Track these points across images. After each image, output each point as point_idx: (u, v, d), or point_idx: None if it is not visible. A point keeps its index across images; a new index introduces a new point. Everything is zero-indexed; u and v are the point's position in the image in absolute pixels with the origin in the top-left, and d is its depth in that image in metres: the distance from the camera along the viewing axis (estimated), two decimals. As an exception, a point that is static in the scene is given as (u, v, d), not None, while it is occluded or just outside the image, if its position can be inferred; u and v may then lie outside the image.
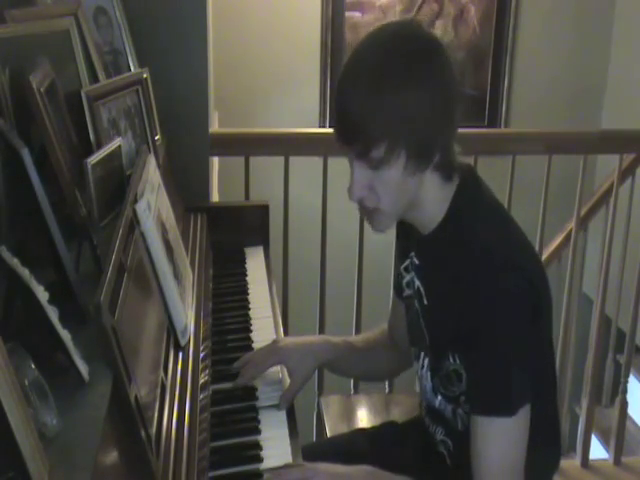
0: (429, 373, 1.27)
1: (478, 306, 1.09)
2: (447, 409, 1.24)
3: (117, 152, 1.32)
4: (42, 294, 0.87)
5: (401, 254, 1.35)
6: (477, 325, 1.09)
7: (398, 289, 1.38)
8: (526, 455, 1.14)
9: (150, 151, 1.52)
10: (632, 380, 2.81)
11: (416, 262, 1.26)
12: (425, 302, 1.23)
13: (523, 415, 1.11)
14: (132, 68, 1.76)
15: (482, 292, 1.09)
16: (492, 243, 1.13)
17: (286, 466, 1.17)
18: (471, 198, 1.18)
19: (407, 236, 1.29)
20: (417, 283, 1.26)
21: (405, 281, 1.33)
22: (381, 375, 1.60)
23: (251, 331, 1.58)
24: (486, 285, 1.09)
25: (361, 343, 1.49)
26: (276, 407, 1.33)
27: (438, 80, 1.07)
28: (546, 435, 1.27)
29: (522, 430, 1.12)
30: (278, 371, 1.43)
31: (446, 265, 1.17)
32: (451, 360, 1.17)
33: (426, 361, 1.28)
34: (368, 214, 1.17)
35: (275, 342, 1.43)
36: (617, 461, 2.69)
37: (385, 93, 1.04)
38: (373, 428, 1.58)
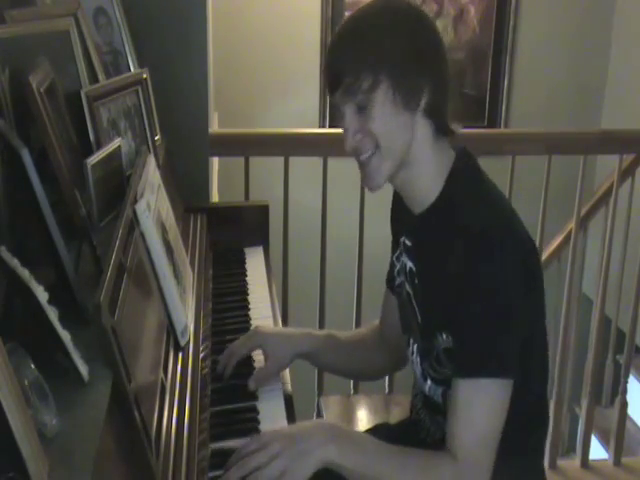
0: (419, 358, 1.28)
1: (471, 279, 1.10)
2: (437, 393, 1.24)
3: (117, 152, 1.32)
4: (42, 294, 0.87)
5: (393, 244, 1.37)
6: (466, 291, 1.11)
7: (390, 281, 1.40)
8: (512, 436, 1.14)
9: (150, 151, 1.52)
10: (632, 380, 2.81)
11: (408, 244, 1.28)
12: (416, 282, 1.25)
13: (505, 388, 1.11)
14: (132, 68, 1.76)
15: (474, 264, 1.10)
16: (489, 225, 1.14)
17: (237, 453, 1.12)
18: (466, 179, 1.20)
19: (397, 222, 1.33)
20: (409, 265, 1.27)
21: (396, 270, 1.34)
22: (368, 372, 1.56)
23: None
24: (479, 261, 1.11)
25: (347, 338, 1.48)
26: (276, 407, 1.33)
27: (422, 35, 1.16)
28: (533, 416, 1.27)
29: (502, 401, 1.12)
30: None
31: (440, 244, 1.18)
32: (443, 337, 1.17)
33: (415, 346, 1.29)
34: (364, 165, 1.19)
35: (256, 327, 1.46)
36: (617, 461, 2.69)
37: (368, 32, 1.14)
38: (367, 431, 1.57)
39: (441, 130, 1.19)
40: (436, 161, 1.20)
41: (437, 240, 1.19)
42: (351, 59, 1.14)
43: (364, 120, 1.15)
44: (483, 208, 1.17)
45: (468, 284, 1.11)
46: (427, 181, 1.20)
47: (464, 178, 1.20)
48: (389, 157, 1.17)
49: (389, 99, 1.12)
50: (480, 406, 1.11)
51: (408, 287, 1.28)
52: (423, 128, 1.17)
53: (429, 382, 1.26)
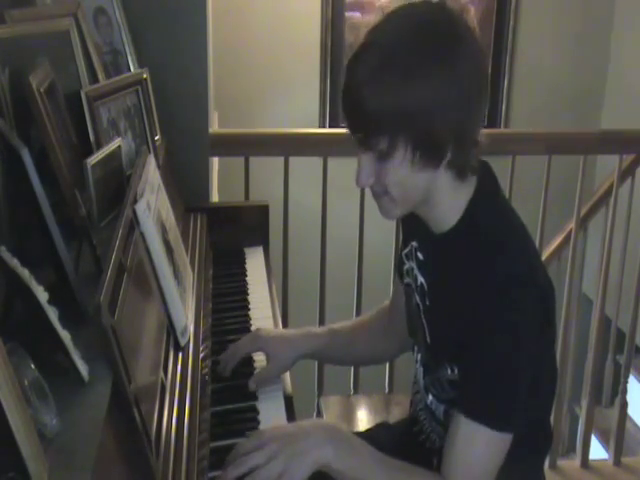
0: (422, 368, 1.26)
1: (490, 320, 1.06)
2: (439, 409, 1.23)
3: (117, 152, 1.32)
4: (42, 294, 0.87)
5: (403, 239, 1.33)
6: (483, 337, 1.07)
7: (400, 275, 1.36)
8: (513, 457, 1.12)
9: (150, 151, 1.52)
10: (632, 380, 2.81)
11: (420, 257, 1.23)
12: (427, 302, 1.21)
13: (505, 439, 1.10)
14: (132, 68, 1.76)
15: (497, 313, 1.06)
16: (512, 259, 1.09)
17: (235, 451, 1.10)
18: (490, 204, 1.15)
19: (409, 222, 1.26)
20: (420, 279, 1.23)
21: (405, 268, 1.30)
22: (375, 358, 1.56)
23: (251, 331, 1.58)
24: (503, 311, 1.06)
25: (349, 328, 1.47)
26: (276, 407, 1.33)
27: (448, 76, 0.99)
28: (536, 440, 1.26)
29: (500, 449, 1.10)
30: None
31: (458, 271, 1.13)
32: (448, 371, 1.15)
33: (419, 356, 1.27)
34: (378, 199, 1.13)
35: (257, 330, 1.44)
36: (617, 461, 2.69)
37: (388, 81, 0.99)
38: (367, 431, 1.57)
39: (465, 174, 1.10)
40: (457, 191, 1.12)
41: (456, 269, 1.13)
42: (366, 114, 1.01)
43: (379, 167, 1.06)
44: (514, 254, 1.11)
45: (486, 332, 1.07)
46: (446, 210, 1.13)
47: (488, 206, 1.14)
48: (402, 203, 1.11)
49: (407, 161, 1.03)
50: (478, 449, 1.10)
51: (418, 299, 1.24)
52: (444, 177, 1.09)
53: (431, 397, 1.24)
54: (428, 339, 1.22)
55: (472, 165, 1.11)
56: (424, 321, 1.23)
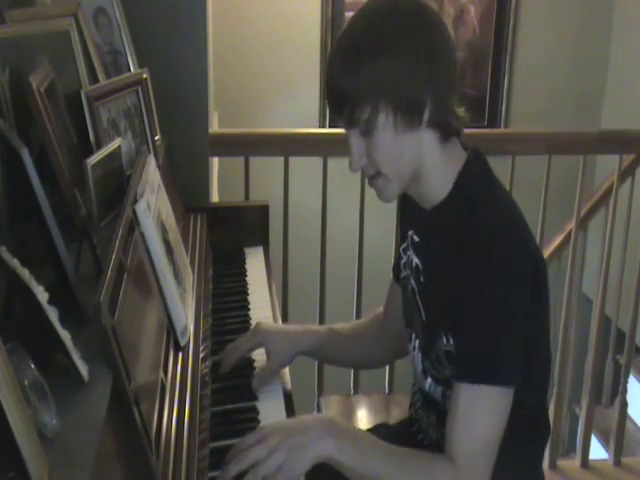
0: (420, 354, 1.28)
1: (479, 286, 1.10)
2: (437, 391, 1.24)
3: (117, 152, 1.32)
4: (42, 294, 0.87)
5: (401, 236, 1.37)
6: (472, 295, 1.10)
7: (397, 272, 1.39)
8: (512, 447, 1.13)
9: (150, 151, 1.52)
10: (632, 380, 2.81)
11: (416, 239, 1.27)
12: (422, 279, 1.24)
13: (506, 396, 1.11)
14: (132, 68, 1.76)
15: (483, 268, 1.10)
16: (502, 233, 1.13)
17: (236, 447, 1.11)
18: (478, 177, 1.19)
19: (406, 215, 1.32)
20: (415, 260, 1.27)
21: (402, 262, 1.34)
22: (370, 363, 1.60)
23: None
24: (488, 265, 1.10)
25: (348, 330, 1.49)
26: (276, 407, 1.33)
27: (417, 46, 1.09)
28: (533, 427, 1.27)
29: (503, 409, 1.11)
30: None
31: (448, 242, 1.17)
32: (444, 340, 1.17)
33: (417, 342, 1.29)
34: (373, 182, 1.18)
35: (257, 324, 1.45)
36: (617, 461, 2.69)
37: (361, 58, 1.09)
38: (366, 431, 1.57)
39: (448, 134, 1.17)
40: (445, 163, 1.18)
41: (446, 239, 1.18)
42: (347, 91, 1.10)
43: (367, 144, 1.13)
44: (496, 213, 1.15)
45: (475, 290, 1.10)
46: (436, 182, 1.18)
47: (476, 178, 1.19)
48: (395, 179, 1.16)
49: (390, 124, 1.10)
50: (480, 413, 1.11)
51: (413, 283, 1.28)
52: (429, 138, 1.14)
53: (429, 380, 1.26)
54: (424, 317, 1.24)
55: (455, 127, 1.18)
56: (419, 302, 1.26)
